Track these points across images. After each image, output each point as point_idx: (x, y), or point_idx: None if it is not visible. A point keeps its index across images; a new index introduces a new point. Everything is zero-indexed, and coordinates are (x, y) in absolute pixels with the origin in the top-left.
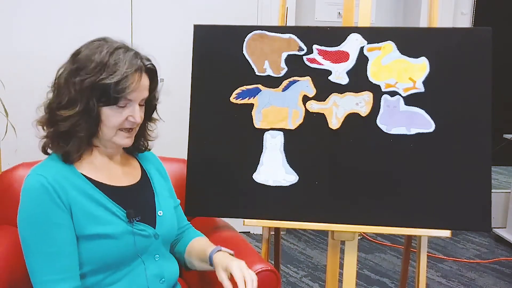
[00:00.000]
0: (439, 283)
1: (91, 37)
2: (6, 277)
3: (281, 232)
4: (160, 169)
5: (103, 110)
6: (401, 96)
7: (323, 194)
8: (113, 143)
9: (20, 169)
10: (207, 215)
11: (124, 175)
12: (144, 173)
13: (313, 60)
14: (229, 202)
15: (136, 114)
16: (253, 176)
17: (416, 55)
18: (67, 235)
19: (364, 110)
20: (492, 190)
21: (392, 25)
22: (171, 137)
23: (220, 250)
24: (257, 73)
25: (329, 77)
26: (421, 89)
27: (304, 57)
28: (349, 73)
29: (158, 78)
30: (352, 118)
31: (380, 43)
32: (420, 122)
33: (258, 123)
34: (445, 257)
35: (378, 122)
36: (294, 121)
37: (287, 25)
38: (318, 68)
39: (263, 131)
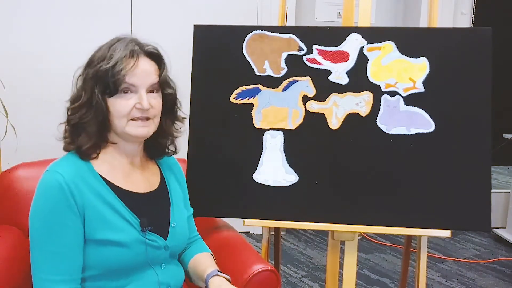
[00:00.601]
0: (439, 283)
1: (91, 37)
2: (5, 277)
3: (281, 232)
4: (178, 177)
5: (109, 101)
6: (401, 96)
7: (323, 194)
8: (128, 135)
9: (20, 169)
10: (207, 215)
11: (142, 181)
12: (162, 180)
13: (313, 60)
14: (229, 202)
15: (143, 99)
16: (253, 176)
17: (416, 55)
18: (75, 238)
19: (364, 110)
20: (492, 190)
21: (392, 25)
22: None
23: (217, 275)
24: (257, 73)
25: (329, 77)
26: (421, 89)
27: (304, 57)
28: (349, 73)
29: (165, 62)
30: (352, 118)
31: (380, 43)
32: (420, 122)
33: (258, 123)
34: (445, 257)
35: (378, 122)
36: (294, 121)
37: (287, 25)
38: (318, 68)
39: (263, 131)
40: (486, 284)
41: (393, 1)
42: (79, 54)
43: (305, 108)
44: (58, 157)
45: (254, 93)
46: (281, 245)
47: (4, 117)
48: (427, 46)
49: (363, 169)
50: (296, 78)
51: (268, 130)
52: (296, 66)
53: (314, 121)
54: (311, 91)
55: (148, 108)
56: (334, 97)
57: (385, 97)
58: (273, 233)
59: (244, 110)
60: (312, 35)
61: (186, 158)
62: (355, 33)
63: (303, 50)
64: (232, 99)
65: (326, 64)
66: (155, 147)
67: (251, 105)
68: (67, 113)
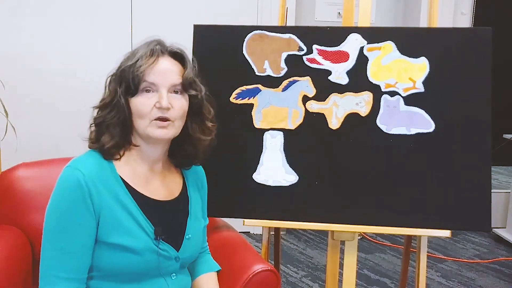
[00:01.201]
0: (439, 283)
1: (91, 37)
2: (5, 277)
3: (281, 232)
4: (200, 187)
5: (132, 101)
6: (401, 96)
7: (323, 194)
8: (148, 137)
9: (20, 169)
10: (207, 215)
11: (162, 188)
12: (184, 189)
13: (313, 60)
14: (229, 202)
15: (163, 98)
16: (253, 176)
17: (416, 55)
18: (86, 238)
19: (364, 110)
20: (492, 190)
21: (392, 25)
22: None
23: None
24: (257, 73)
25: (329, 77)
26: (421, 89)
27: (304, 57)
28: (349, 73)
29: (191, 64)
30: (352, 118)
31: (380, 43)
32: (420, 122)
33: (258, 123)
34: (445, 257)
35: (378, 122)
36: (294, 121)
37: (287, 25)
38: (318, 68)
39: (263, 131)
40: (486, 284)
41: (393, 1)
42: (79, 54)
43: (305, 108)
44: (58, 157)
45: (254, 93)
46: (281, 245)
47: (4, 117)
48: (427, 46)
49: (363, 169)
50: (296, 78)
51: (268, 130)
52: (296, 66)
53: (314, 121)
54: (311, 91)
55: (168, 108)
56: (334, 97)
57: (385, 97)
58: (273, 233)
59: (244, 110)
60: (312, 35)
61: None
62: (355, 33)
63: (303, 50)
64: (232, 99)
65: (326, 64)
66: (181, 155)
67: (251, 105)
68: (94, 113)
